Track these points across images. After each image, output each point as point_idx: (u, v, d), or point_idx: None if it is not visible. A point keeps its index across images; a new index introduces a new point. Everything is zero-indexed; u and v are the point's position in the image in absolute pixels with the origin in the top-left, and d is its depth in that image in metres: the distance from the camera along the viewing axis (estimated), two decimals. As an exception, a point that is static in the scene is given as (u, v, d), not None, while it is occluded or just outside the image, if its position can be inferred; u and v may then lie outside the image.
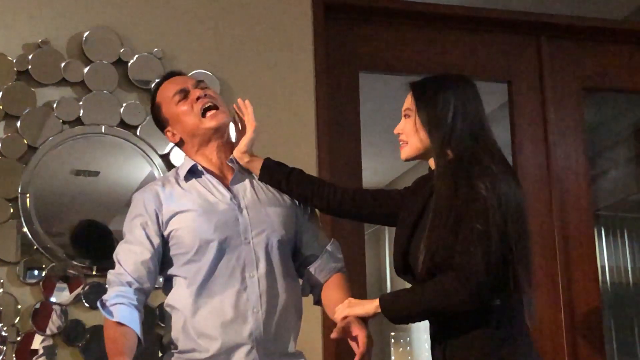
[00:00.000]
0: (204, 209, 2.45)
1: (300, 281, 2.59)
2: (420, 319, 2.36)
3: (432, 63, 3.99)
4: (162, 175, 3.33)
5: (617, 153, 4.91)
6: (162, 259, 2.48)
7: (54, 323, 3.26)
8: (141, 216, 2.47)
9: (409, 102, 2.43)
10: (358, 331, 2.32)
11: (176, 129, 2.57)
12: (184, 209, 2.46)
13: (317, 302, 2.61)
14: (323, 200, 2.58)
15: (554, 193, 3.97)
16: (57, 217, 3.35)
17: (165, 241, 2.46)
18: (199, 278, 2.41)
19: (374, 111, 4.60)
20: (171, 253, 2.47)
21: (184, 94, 2.55)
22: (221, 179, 2.55)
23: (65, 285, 3.30)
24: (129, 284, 2.39)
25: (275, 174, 2.57)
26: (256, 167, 2.57)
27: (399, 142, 2.45)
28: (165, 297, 2.51)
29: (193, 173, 2.55)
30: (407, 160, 2.45)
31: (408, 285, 2.38)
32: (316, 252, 2.58)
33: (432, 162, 2.42)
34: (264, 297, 2.41)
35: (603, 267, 4.81)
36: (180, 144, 2.62)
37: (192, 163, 2.55)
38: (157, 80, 2.66)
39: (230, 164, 2.56)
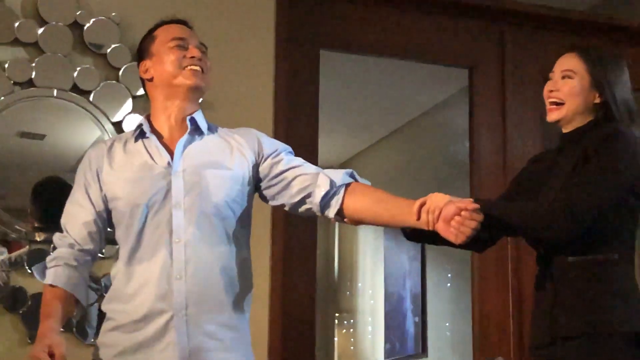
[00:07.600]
0: (139, 173, 2.42)
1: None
2: (510, 231, 2.43)
3: (394, 45, 3.99)
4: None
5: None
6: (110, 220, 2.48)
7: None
8: (84, 175, 2.48)
9: (571, 63, 2.45)
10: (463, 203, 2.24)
11: (154, 68, 2.50)
12: (119, 172, 2.44)
13: (339, 212, 2.44)
14: None
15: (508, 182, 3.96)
16: (-1, 180, 3.33)
17: (106, 202, 2.46)
18: (129, 244, 2.40)
19: (332, 89, 4.59)
20: (112, 216, 2.47)
21: (184, 45, 2.49)
22: (168, 140, 2.49)
23: (4, 249, 3.27)
24: (71, 246, 2.43)
25: None
26: None
27: (550, 102, 2.47)
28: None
29: (141, 133, 2.51)
30: (556, 122, 2.48)
31: None
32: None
33: (568, 128, 2.47)
34: (191, 264, 2.35)
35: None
36: (149, 83, 2.54)
37: (140, 122, 2.52)
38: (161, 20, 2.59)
39: (187, 122, 2.50)
